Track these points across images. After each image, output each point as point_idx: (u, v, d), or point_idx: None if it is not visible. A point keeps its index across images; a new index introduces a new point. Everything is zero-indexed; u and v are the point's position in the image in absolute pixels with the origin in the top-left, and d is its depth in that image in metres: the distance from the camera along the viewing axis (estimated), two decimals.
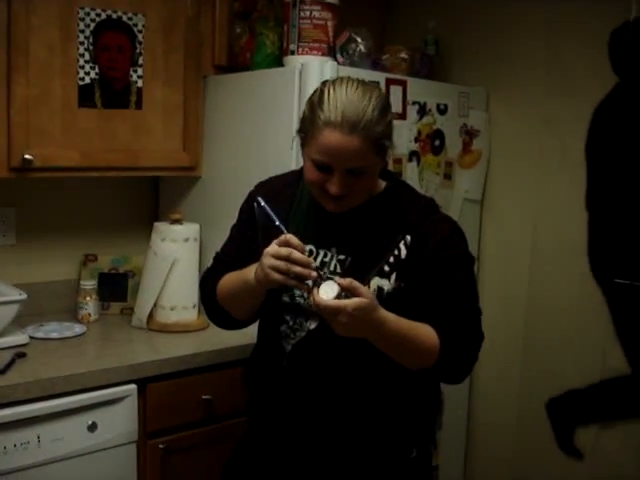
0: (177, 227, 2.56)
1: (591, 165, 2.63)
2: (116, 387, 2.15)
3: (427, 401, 1.82)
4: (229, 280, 1.81)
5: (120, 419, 2.16)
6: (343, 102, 1.55)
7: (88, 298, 2.62)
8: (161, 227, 2.57)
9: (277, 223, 1.62)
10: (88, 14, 2.38)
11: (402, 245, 1.67)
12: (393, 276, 1.66)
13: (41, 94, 2.33)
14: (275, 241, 1.58)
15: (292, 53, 2.46)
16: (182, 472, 2.31)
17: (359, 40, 2.50)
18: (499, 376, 2.96)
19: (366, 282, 1.62)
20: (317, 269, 1.56)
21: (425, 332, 1.61)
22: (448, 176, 2.77)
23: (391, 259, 1.66)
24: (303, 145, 1.65)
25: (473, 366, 1.72)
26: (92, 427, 2.10)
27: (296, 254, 1.54)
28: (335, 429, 1.72)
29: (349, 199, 1.64)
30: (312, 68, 2.27)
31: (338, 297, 1.48)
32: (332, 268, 1.70)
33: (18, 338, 2.29)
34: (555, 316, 2.76)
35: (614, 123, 2.57)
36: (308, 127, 1.60)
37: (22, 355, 2.18)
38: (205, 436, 2.33)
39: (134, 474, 2.22)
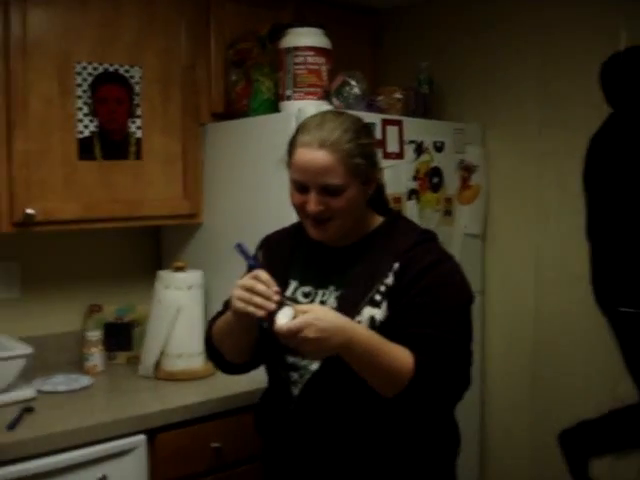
0: (180, 275, 2.57)
1: (590, 195, 2.64)
2: (125, 438, 2.14)
3: (442, 442, 1.79)
4: (221, 320, 1.84)
5: (130, 471, 2.14)
6: (316, 125, 1.68)
7: (94, 349, 2.62)
8: (165, 275, 2.58)
9: (252, 263, 1.67)
10: (85, 68, 2.42)
11: (391, 273, 1.68)
12: (384, 305, 1.66)
13: (41, 148, 2.35)
14: (247, 275, 1.63)
15: (288, 98, 2.49)
16: None
17: (353, 83, 2.53)
18: (510, 409, 2.94)
19: (357, 312, 1.65)
20: (280, 300, 1.58)
21: (399, 350, 1.58)
22: (448, 212, 2.78)
23: (382, 288, 1.67)
24: (290, 171, 1.73)
25: (451, 398, 1.66)
26: None
27: (259, 286, 1.58)
28: (346, 471, 1.71)
29: (332, 225, 1.69)
30: (308, 113, 2.27)
31: (295, 316, 1.52)
32: (329, 306, 1.71)
33: (25, 392, 2.28)
34: (562, 347, 2.75)
35: (610, 153, 2.59)
36: (289, 152, 1.72)
37: (30, 410, 2.17)
38: None
39: None
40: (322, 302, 1.73)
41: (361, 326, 1.60)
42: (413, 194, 2.61)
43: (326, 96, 2.50)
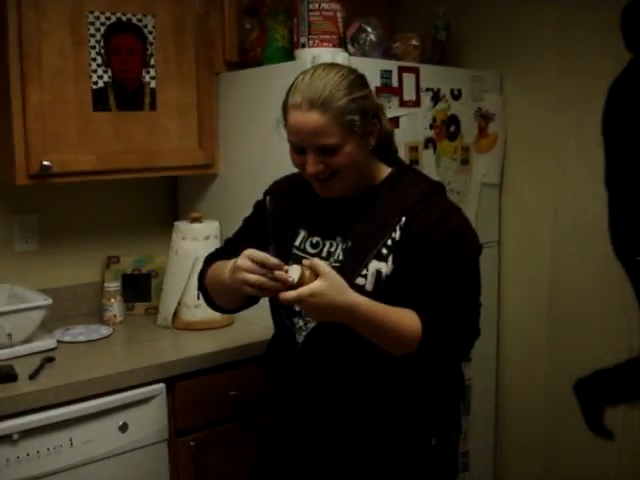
0: (197, 225, 2.57)
1: (608, 143, 2.59)
2: (145, 387, 2.17)
3: (446, 389, 1.81)
4: (215, 269, 1.85)
5: (150, 418, 2.18)
6: (306, 84, 1.63)
7: (113, 300, 2.65)
8: (181, 226, 2.58)
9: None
10: (98, 18, 2.40)
11: (398, 227, 1.67)
12: (390, 259, 1.66)
13: (55, 100, 2.34)
14: (247, 256, 1.58)
15: (303, 46, 2.46)
16: (214, 468, 2.33)
17: (369, 30, 2.49)
18: (525, 359, 2.95)
19: (364, 265, 1.65)
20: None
21: (405, 316, 1.58)
22: (465, 161, 2.76)
23: (389, 242, 1.67)
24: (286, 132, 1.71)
25: (462, 353, 1.70)
26: (123, 427, 2.12)
27: (271, 281, 1.56)
28: (349, 418, 1.73)
29: (335, 181, 1.68)
30: (324, 60, 2.25)
31: (301, 277, 1.51)
32: (336, 257, 1.72)
33: (46, 343, 2.32)
34: (579, 297, 2.75)
35: (630, 100, 2.53)
36: (283, 113, 1.69)
37: (51, 359, 2.21)
38: (235, 431, 2.35)
39: (166, 472, 2.24)
40: (329, 253, 1.74)
41: (364, 300, 1.57)
42: (430, 143, 2.59)
43: (341, 43, 2.47)
